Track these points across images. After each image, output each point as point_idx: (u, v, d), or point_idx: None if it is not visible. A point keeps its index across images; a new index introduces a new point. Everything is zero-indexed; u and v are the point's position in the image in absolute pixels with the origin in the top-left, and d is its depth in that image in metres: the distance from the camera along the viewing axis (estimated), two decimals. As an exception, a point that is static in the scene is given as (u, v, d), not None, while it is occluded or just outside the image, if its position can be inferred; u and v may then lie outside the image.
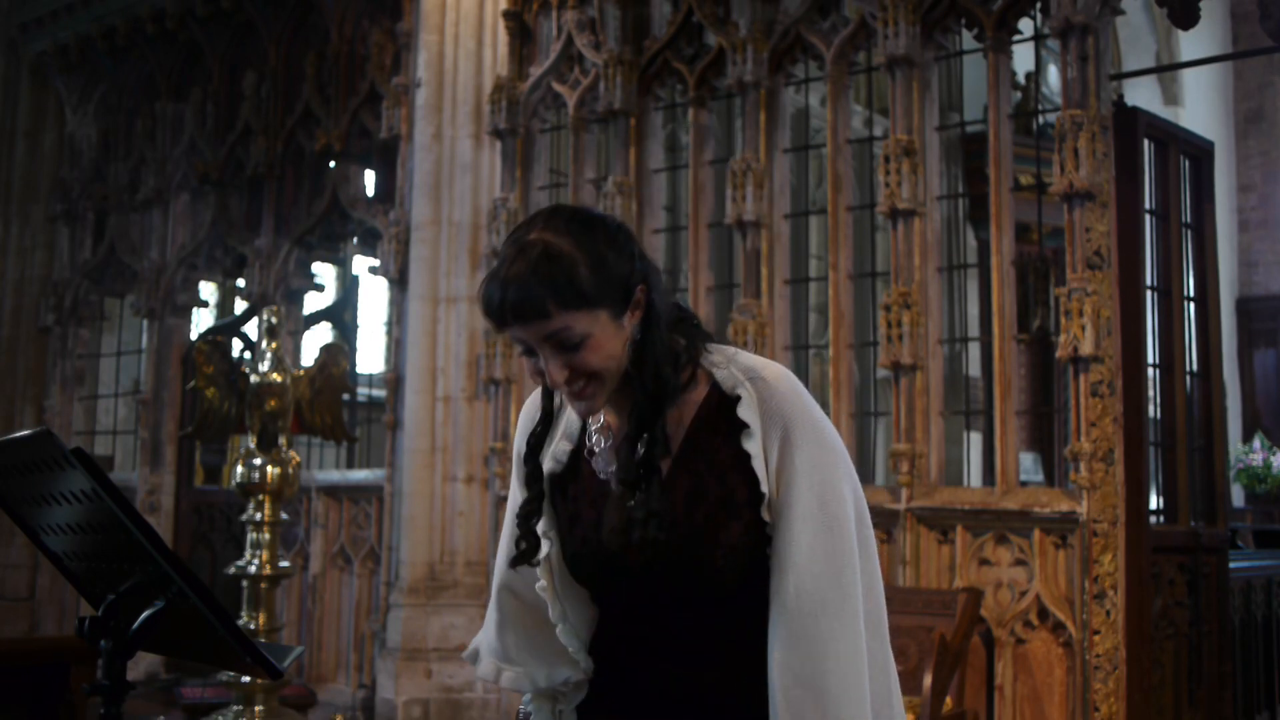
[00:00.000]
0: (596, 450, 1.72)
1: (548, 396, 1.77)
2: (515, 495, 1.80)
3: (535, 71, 6.31)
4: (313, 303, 8.73)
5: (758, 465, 1.62)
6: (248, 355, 5.68)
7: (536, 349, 1.59)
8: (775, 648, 1.59)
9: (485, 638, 1.86)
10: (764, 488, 1.61)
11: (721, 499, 1.63)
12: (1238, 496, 11.13)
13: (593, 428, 1.73)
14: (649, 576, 1.65)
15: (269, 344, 5.11)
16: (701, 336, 1.71)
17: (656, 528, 1.59)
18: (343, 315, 9.73)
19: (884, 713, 1.62)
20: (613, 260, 1.60)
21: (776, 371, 1.66)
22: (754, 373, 1.65)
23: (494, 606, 1.84)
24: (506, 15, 6.38)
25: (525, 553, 1.74)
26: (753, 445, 1.62)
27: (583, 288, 1.56)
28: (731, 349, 1.71)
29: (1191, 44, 10.44)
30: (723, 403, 1.65)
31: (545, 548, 1.72)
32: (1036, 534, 4.67)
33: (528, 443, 1.77)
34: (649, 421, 1.62)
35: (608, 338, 1.59)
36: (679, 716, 1.67)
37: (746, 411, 1.63)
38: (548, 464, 1.75)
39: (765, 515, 1.62)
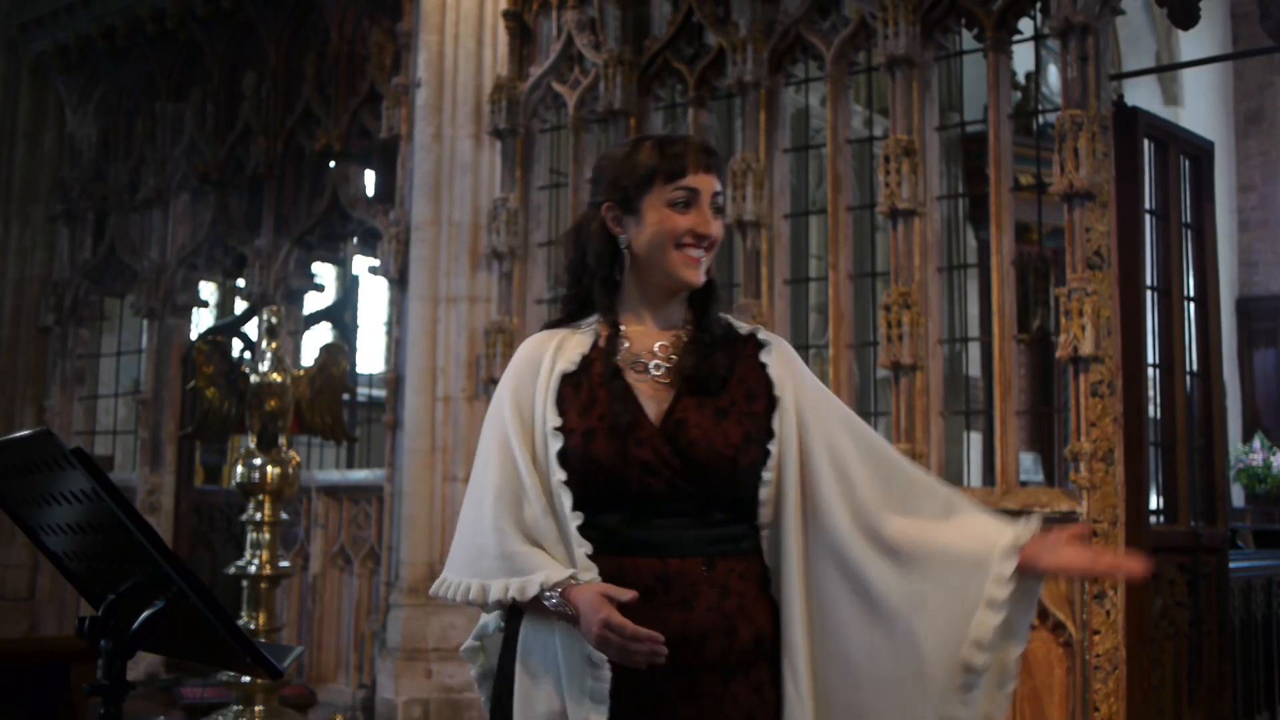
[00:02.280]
0: (643, 358, 1.93)
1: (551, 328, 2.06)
2: (509, 428, 2.07)
3: (535, 71, 6.30)
4: (313, 303, 8.72)
5: (773, 373, 1.91)
6: (248, 355, 5.67)
7: (701, 203, 1.89)
8: (904, 501, 1.90)
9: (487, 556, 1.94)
10: (777, 391, 1.90)
11: (739, 398, 1.89)
12: (1238, 496, 11.12)
13: (624, 346, 1.94)
14: (668, 470, 1.82)
15: (269, 344, 5.11)
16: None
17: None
18: (343, 315, 9.72)
19: None
20: None
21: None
22: (760, 329, 2.01)
23: (499, 526, 1.95)
24: (506, 15, 6.37)
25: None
26: (770, 357, 1.93)
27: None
28: None
29: (1191, 44, 10.42)
30: (738, 335, 1.97)
31: (557, 442, 1.90)
32: (1036, 534, 4.66)
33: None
34: (713, 322, 1.93)
35: None
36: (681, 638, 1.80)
37: (765, 335, 1.98)
38: (561, 364, 1.96)
39: (775, 423, 1.88)
